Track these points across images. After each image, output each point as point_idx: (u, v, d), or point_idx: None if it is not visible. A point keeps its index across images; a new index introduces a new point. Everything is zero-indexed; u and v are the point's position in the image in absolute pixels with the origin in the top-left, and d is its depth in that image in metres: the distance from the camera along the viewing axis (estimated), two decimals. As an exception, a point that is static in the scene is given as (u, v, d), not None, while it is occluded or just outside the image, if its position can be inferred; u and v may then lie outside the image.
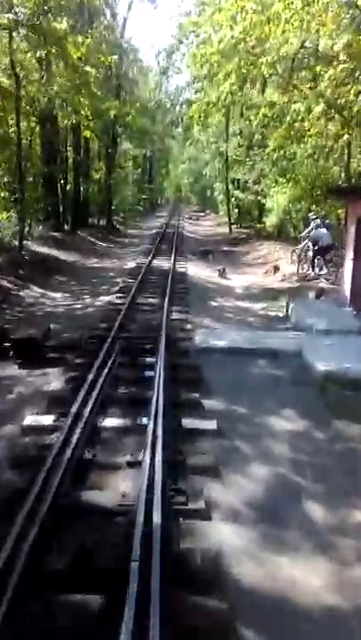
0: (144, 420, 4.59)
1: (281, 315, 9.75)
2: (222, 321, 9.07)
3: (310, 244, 13.40)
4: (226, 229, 28.98)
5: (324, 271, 12.86)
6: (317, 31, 14.05)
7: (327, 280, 12.48)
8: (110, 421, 4.76)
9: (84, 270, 14.40)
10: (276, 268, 14.72)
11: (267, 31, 12.60)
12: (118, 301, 9.87)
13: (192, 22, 16.12)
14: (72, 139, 20.62)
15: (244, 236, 24.89)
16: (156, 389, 5.15)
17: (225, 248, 21.85)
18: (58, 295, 10.87)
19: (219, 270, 14.13)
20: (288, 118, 12.82)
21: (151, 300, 10.02)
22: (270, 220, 17.34)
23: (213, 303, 10.60)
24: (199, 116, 14.09)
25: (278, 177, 16.33)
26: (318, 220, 13.74)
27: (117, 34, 25.98)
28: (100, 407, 4.95)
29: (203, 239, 25.41)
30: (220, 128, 28.11)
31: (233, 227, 26.98)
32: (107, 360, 6.09)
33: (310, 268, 13.36)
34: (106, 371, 5.69)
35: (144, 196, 45.56)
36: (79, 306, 9.88)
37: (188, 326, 8.10)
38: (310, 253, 13.47)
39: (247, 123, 24.21)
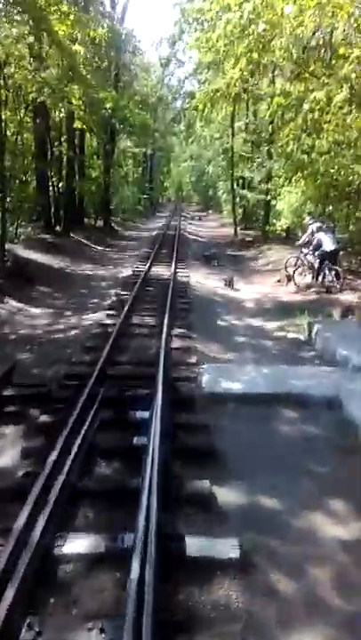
0: (126, 542, 2.97)
1: (303, 338, 8.15)
2: (234, 348, 7.46)
3: (311, 249, 11.85)
4: (230, 231, 27.35)
5: (331, 279, 11.30)
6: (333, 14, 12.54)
7: (332, 290, 10.94)
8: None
9: (73, 279, 12.78)
10: (289, 278, 13.10)
11: (280, 12, 11.04)
12: (108, 321, 8.25)
13: (196, 9, 14.55)
14: (66, 133, 18.96)
15: (250, 238, 23.26)
16: (148, 473, 3.52)
17: (230, 252, 20.23)
18: (38, 311, 9.25)
19: (225, 280, 12.51)
20: (306, 107, 11.20)
21: (148, 320, 8.39)
22: (281, 223, 15.69)
23: (221, 322, 8.99)
24: (204, 107, 12.44)
25: (291, 174, 14.67)
26: (318, 224, 12.20)
27: (116, 23, 24.35)
28: (60, 522, 3.16)
29: (206, 241, 23.79)
30: (225, 123, 26.58)
31: (238, 228, 25.35)
32: (83, 417, 4.47)
33: (314, 278, 11.82)
34: (78, 440, 4.06)
35: (144, 196, 43.95)
36: (61, 326, 8.25)
37: (193, 359, 6.48)
38: (310, 258, 11.92)
39: (255, 117, 22.66)
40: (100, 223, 25.88)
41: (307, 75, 12.44)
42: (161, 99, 24.17)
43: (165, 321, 7.78)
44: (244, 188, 25.61)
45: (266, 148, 18.83)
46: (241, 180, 25.59)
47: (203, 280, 12.82)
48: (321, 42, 12.98)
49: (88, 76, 14.53)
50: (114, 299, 10.09)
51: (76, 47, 11.30)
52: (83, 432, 4.22)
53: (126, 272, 13.48)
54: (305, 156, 13.52)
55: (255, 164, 20.33)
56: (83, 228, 21.92)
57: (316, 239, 11.68)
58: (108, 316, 8.68)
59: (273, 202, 17.79)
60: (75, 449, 3.89)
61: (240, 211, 27.05)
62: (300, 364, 6.69)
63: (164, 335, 7.07)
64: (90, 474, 3.83)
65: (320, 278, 11.58)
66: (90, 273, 13.66)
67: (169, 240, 21.73)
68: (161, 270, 13.53)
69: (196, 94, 13.56)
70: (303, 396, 5.40)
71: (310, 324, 8.18)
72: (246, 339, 8.02)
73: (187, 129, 45.08)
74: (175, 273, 12.90)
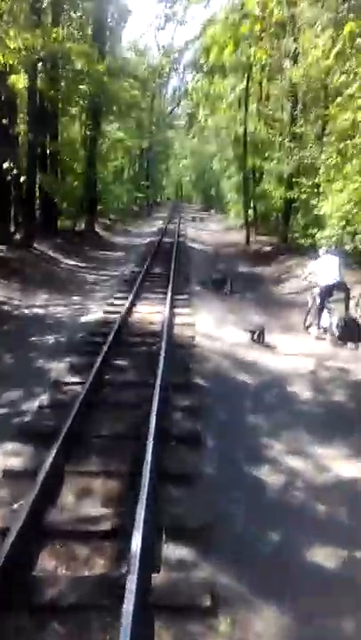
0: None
1: None
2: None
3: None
4: (240, 236, 22.66)
5: (328, 321, 8.00)
6: None
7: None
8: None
9: (4, 328, 7.99)
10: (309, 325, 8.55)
11: None
12: (26, 465, 3.59)
13: None
14: (29, 109, 14.15)
15: (268, 248, 18.50)
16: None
17: (244, 269, 15.49)
18: None
19: (252, 332, 7.74)
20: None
21: (112, 461, 3.74)
22: (326, 234, 10.93)
23: (269, 477, 4.16)
24: (222, 47, 7.65)
25: (341, 164, 10.00)
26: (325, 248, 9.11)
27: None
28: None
29: (211, 252, 19.04)
30: (233, 108, 21.97)
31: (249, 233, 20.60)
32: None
33: (315, 318, 8.26)
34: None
35: (140, 195, 39.11)
36: None
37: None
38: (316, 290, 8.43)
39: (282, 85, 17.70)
40: (82, 226, 21.12)
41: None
42: (156, 72, 19.43)
43: (148, 462, 3.43)
44: (258, 183, 20.90)
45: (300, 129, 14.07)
46: (254, 175, 20.85)
47: (214, 329, 8.04)
48: None
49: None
50: (57, 389, 5.33)
51: None
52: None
53: (95, 314, 8.68)
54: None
55: (280, 154, 15.58)
56: (55, 235, 17.17)
57: (317, 265, 8.48)
58: (33, 443, 3.95)
59: (309, 202, 12.97)
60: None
61: (251, 212, 22.29)
62: None
63: (141, 517, 2.75)
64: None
65: (315, 323, 8.23)
66: (39, 313, 8.85)
67: (165, 251, 17.00)
68: (149, 310, 8.79)
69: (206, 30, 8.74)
70: None
71: None
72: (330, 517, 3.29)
73: (189, 118, 40.50)
74: (172, 315, 8.17)
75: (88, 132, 19.85)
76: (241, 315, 9.23)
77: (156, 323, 7.81)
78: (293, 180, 15.12)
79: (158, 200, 59.74)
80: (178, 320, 8.08)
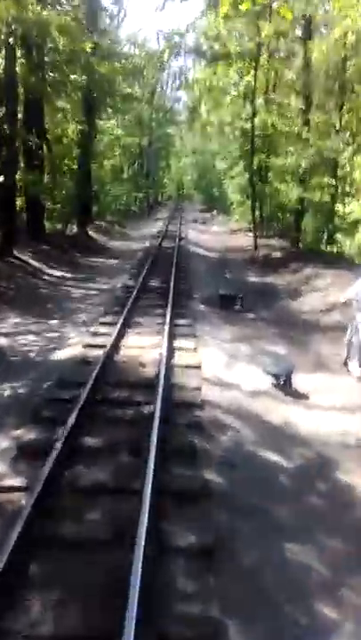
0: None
1: None
2: None
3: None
4: (245, 240, 20.86)
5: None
6: None
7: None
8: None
9: None
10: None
11: None
12: None
13: None
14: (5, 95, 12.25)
15: (278, 253, 16.59)
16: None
17: (254, 279, 13.60)
18: None
19: (276, 377, 5.83)
20: None
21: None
22: (357, 241, 9.01)
23: None
24: None
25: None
26: None
27: None
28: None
29: (217, 258, 17.17)
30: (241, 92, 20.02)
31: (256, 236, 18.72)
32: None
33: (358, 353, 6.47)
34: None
35: (140, 194, 37.23)
36: None
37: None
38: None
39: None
40: (74, 229, 19.24)
41: None
42: (155, 59, 17.49)
43: None
44: (265, 182, 18.98)
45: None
46: (261, 173, 18.94)
47: (226, 370, 6.13)
48: None
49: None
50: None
51: None
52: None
53: (72, 346, 6.79)
54: None
55: (293, 148, 13.69)
56: (42, 239, 15.29)
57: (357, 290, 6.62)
58: None
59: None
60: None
61: (257, 213, 20.35)
62: None
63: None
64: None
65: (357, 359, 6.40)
66: (2, 345, 6.95)
67: (165, 257, 15.14)
68: (142, 342, 6.88)
69: None
70: None
71: None
72: None
73: (190, 113, 38.54)
74: (170, 352, 6.27)
75: (80, 127, 17.97)
76: (258, 345, 7.34)
77: (150, 364, 5.91)
78: (307, 177, 13.29)
79: (159, 199, 57.87)
80: (178, 359, 6.18)
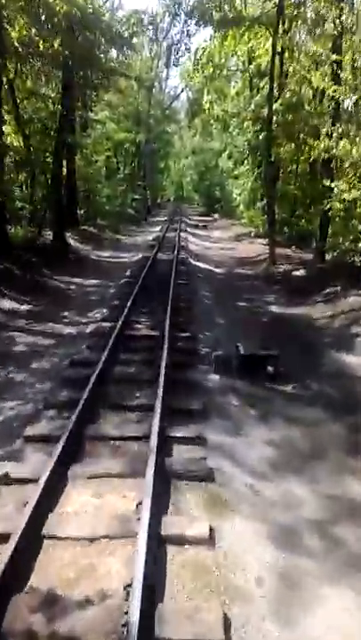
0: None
1: None
2: None
3: None
4: (255, 248, 17.59)
5: None
6: None
7: None
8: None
9: None
10: None
11: None
12: None
13: None
14: None
15: (302, 270, 13.07)
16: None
17: (279, 308, 10.07)
18: None
19: None
20: None
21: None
22: None
23: None
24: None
25: None
26: None
27: None
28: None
29: (225, 275, 13.66)
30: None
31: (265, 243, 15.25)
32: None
33: None
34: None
35: (136, 196, 33.60)
36: None
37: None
38: None
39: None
40: (49, 238, 15.70)
41: None
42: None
43: None
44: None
45: None
46: (283, 168, 15.43)
47: (281, 582, 2.63)
48: None
49: None
50: None
51: None
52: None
53: None
54: None
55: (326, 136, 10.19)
56: (2, 256, 11.75)
57: None
58: None
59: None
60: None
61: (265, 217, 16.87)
62: None
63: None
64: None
65: None
66: None
67: (160, 276, 11.62)
68: (105, 499, 3.37)
69: None
70: None
71: None
72: None
73: (191, 107, 34.91)
74: (155, 543, 2.76)
75: (59, 112, 14.45)
76: (325, 483, 3.82)
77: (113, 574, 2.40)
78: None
79: (159, 201, 54.37)
80: (173, 558, 2.66)
